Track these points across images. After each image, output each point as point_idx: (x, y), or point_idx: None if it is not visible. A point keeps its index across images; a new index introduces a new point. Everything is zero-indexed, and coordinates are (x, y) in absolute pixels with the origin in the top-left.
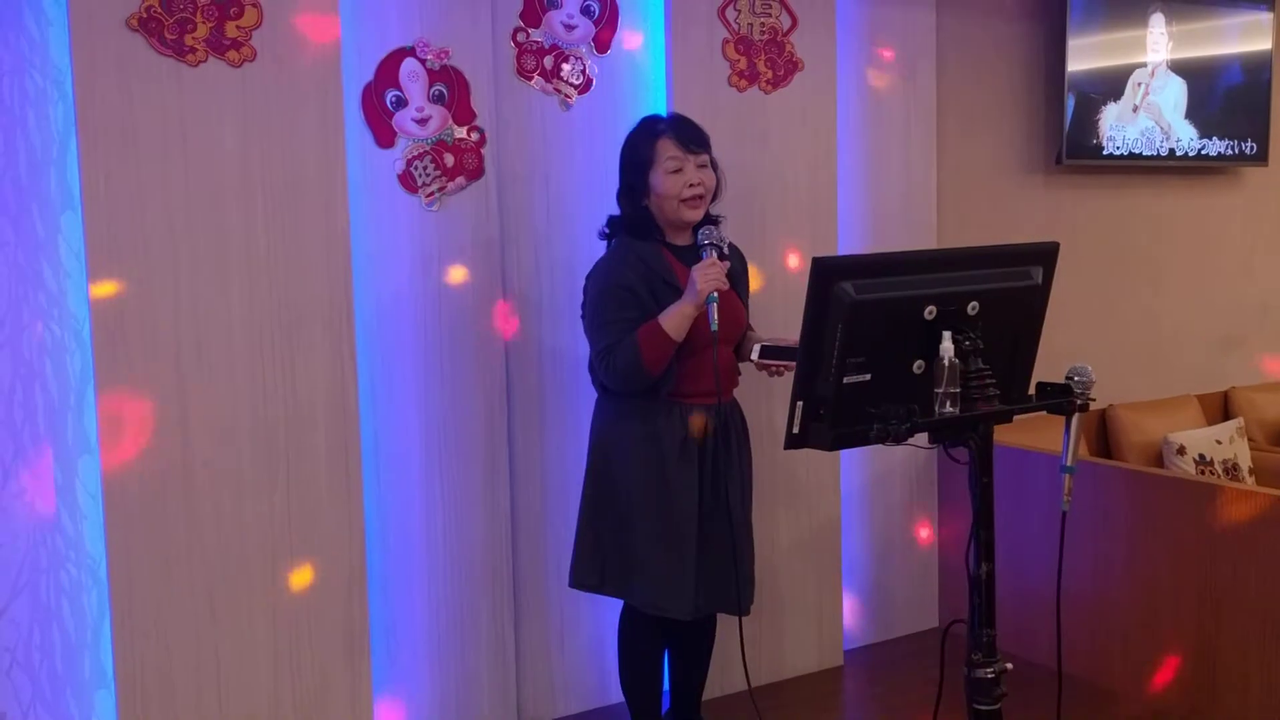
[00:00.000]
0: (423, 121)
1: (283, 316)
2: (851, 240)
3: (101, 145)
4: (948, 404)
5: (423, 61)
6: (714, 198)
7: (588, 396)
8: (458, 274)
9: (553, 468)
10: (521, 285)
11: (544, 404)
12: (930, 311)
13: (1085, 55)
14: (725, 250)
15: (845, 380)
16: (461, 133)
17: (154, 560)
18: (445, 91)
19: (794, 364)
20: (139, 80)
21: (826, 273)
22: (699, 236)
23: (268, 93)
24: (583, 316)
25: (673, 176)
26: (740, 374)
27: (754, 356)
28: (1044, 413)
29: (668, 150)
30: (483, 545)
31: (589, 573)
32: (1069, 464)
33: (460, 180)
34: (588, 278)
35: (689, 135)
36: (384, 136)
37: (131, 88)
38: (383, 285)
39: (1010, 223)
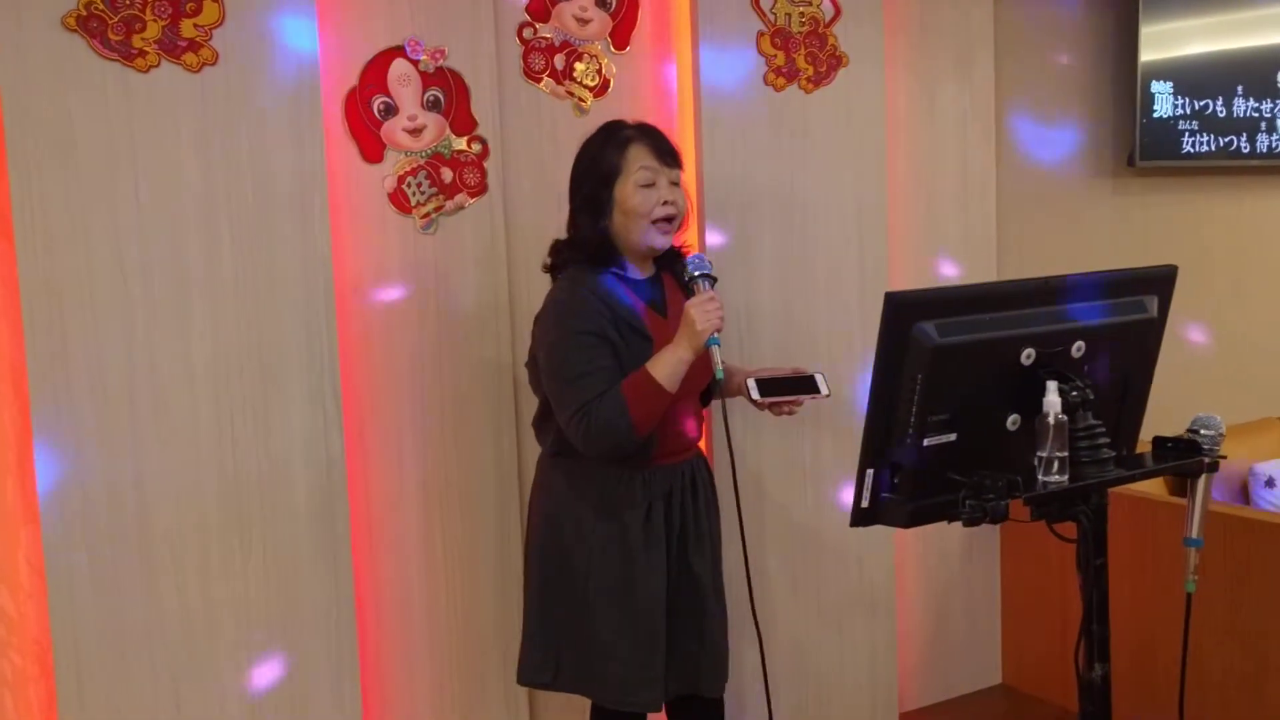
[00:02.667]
0: (416, 132)
1: (254, 359)
2: (902, 255)
3: (34, 166)
4: (1054, 470)
5: (415, 63)
6: (680, 228)
7: None
8: (459, 306)
9: None
10: (532, 315)
11: None
12: (1029, 355)
13: (1161, 42)
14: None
15: (926, 442)
16: (461, 144)
17: (106, 647)
18: (441, 97)
19: (804, 397)
20: (79, 89)
21: (903, 311)
22: (690, 265)
23: (233, 101)
24: (530, 365)
25: (644, 191)
26: (703, 419)
27: (753, 395)
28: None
29: (640, 159)
30: (493, 614)
31: (541, 668)
32: (1195, 535)
33: (460, 199)
34: (537, 320)
35: (663, 145)
36: (371, 149)
37: (69, 98)
38: (371, 321)
39: (1076, 231)
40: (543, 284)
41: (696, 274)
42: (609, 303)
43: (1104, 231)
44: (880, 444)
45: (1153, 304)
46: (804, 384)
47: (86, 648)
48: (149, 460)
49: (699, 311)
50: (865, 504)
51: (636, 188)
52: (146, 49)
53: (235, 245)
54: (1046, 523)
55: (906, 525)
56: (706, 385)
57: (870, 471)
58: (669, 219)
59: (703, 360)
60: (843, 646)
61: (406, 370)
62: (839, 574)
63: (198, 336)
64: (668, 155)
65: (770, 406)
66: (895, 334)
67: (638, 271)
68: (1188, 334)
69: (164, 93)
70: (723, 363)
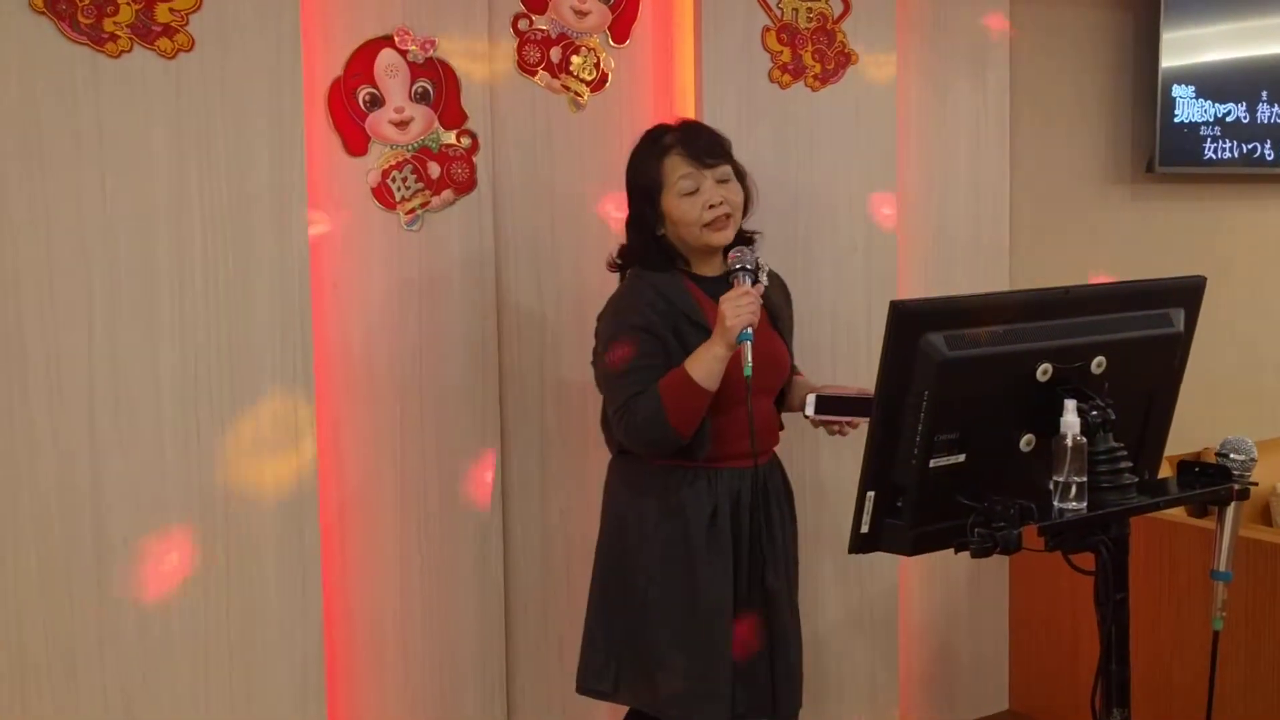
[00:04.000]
0: (402, 124)
1: (224, 360)
2: (911, 262)
3: None
4: (1071, 496)
5: (403, 53)
6: (745, 213)
7: (602, 452)
8: (444, 307)
9: (557, 537)
10: (522, 320)
11: (548, 461)
12: (1045, 371)
13: (1183, 47)
14: (762, 275)
15: (932, 463)
16: (450, 138)
17: (56, 659)
18: (430, 89)
19: (860, 419)
20: (46, 74)
21: (909, 322)
22: (728, 260)
23: (208, 90)
24: (594, 364)
25: (688, 200)
26: (784, 428)
27: (808, 411)
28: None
29: (678, 169)
30: (471, 635)
31: (600, 676)
32: (1223, 568)
33: (447, 194)
34: (599, 318)
35: (701, 146)
36: (355, 142)
37: (36, 84)
38: (351, 322)
39: (1092, 239)
40: (532, 282)
41: (736, 268)
42: (669, 298)
43: (1121, 239)
44: (883, 464)
45: (1179, 317)
46: (864, 406)
47: (34, 658)
48: (108, 465)
49: (730, 306)
50: (865, 529)
51: (679, 198)
52: (118, 33)
53: (207, 241)
54: (1062, 553)
55: (910, 553)
56: (781, 387)
57: (871, 494)
58: (724, 217)
59: (771, 357)
60: (842, 669)
61: (387, 375)
62: (840, 593)
63: (165, 335)
64: (707, 155)
65: (823, 424)
66: (900, 346)
67: (704, 268)
68: (1206, 346)
69: (136, 80)
70: (800, 374)
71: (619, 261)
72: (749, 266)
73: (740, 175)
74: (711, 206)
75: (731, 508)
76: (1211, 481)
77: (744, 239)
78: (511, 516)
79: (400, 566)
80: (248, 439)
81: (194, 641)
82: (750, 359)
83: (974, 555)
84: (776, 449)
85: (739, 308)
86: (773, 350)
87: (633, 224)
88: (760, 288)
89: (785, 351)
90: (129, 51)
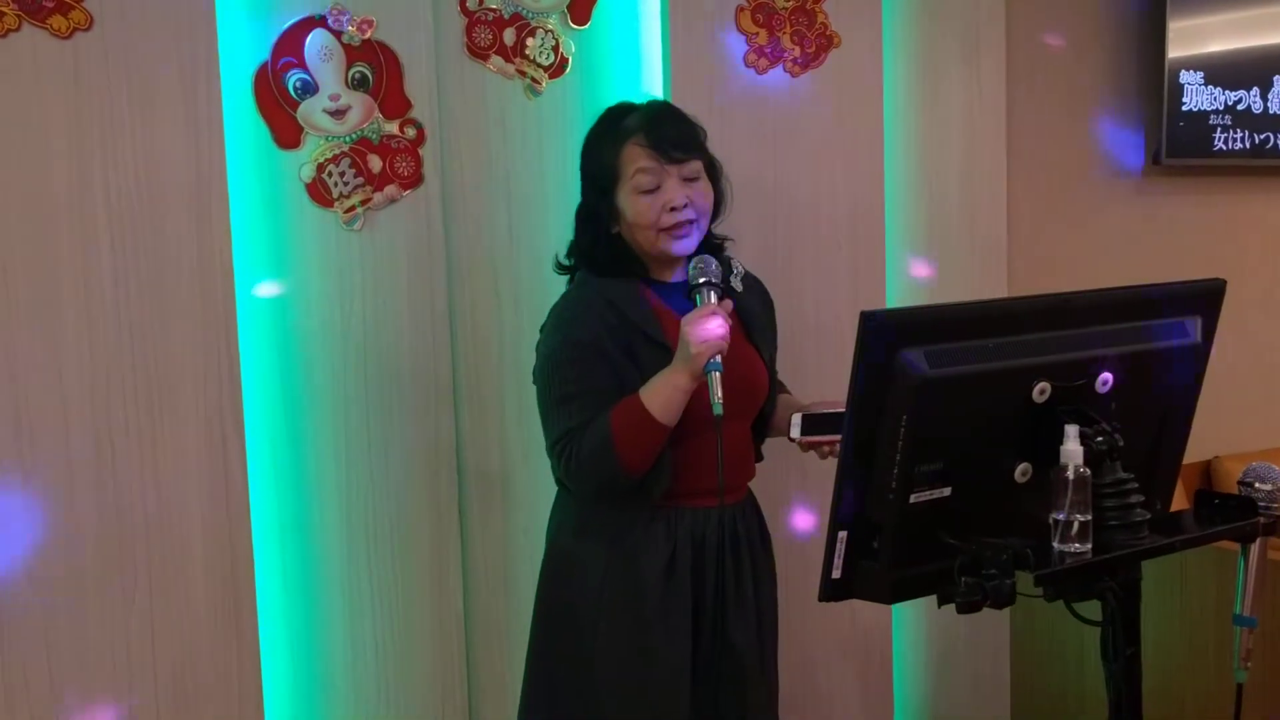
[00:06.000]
0: (339, 114)
1: (139, 374)
2: (900, 263)
3: None
4: (1073, 536)
5: (338, 34)
6: (715, 215)
7: None
8: (388, 313)
9: (520, 557)
10: (476, 325)
11: (509, 477)
12: (1042, 391)
13: (1192, 31)
14: (735, 281)
15: (912, 498)
16: (392, 128)
17: None
18: (369, 74)
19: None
20: None
21: (884, 335)
22: (690, 270)
23: (112, 72)
24: (535, 382)
25: (645, 198)
26: (762, 459)
27: (793, 434)
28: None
29: (636, 159)
30: (429, 665)
31: None
32: (1247, 612)
33: (391, 190)
34: (541, 329)
35: (667, 136)
36: (286, 133)
37: None
38: (285, 331)
39: (1095, 235)
40: (487, 283)
41: (700, 281)
42: (621, 309)
43: (1126, 236)
44: (856, 499)
45: (1196, 326)
46: None
47: None
48: (10, 506)
49: (694, 329)
50: (837, 573)
51: (636, 195)
52: (3, 9)
53: (116, 241)
54: (1064, 603)
55: (888, 600)
56: (759, 411)
57: (843, 533)
58: (686, 223)
59: (744, 380)
60: (833, 700)
61: (327, 389)
62: (829, 620)
63: (69, 346)
64: (675, 148)
65: (812, 447)
66: (875, 363)
67: (662, 272)
68: (1216, 349)
69: (25, 61)
70: (786, 393)
71: (566, 262)
72: (715, 280)
73: (713, 172)
74: (673, 209)
75: (694, 554)
76: (1234, 516)
77: (712, 245)
78: (470, 539)
79: (348, 596)
80: (168, 460)
81: (114, 691)
82: (720, 394)
83: (960, 610)
84: (751, 483)
85: (705, 332)
86: (748, 369)
87: (582, 217)
88: (728, 304)
89: (763, 369)
90: (16, 30)
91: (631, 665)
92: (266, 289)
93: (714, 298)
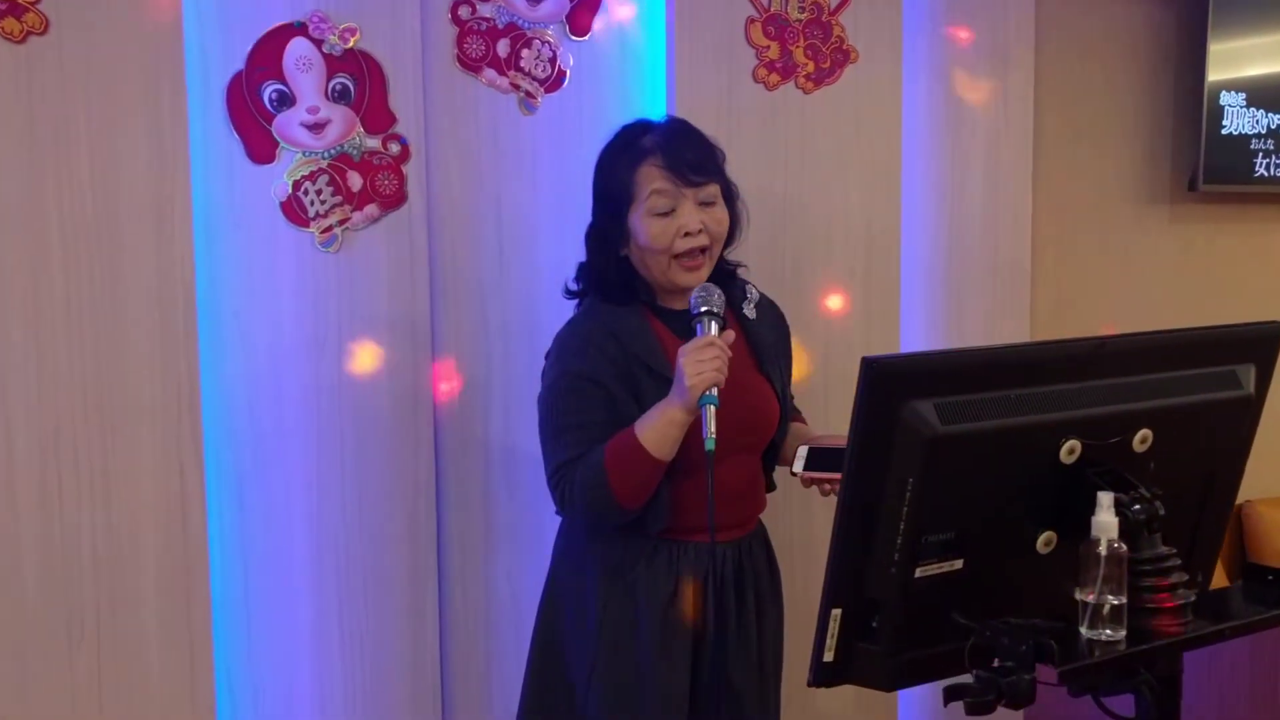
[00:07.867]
0: (317, 127)
1: (91, 401)
2: (916, 293)
3: None
4: (1105, 621)
5: (318, 43)
6: (729, 241)
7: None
8: (368, 339)
9: (502, 593)
10: (461, 354)
11: (491, 515)
12: (1071, 450)
13: (1233, 53)
14: (748, 307)
15: (918, 571)
16: (374, 143)
17: None
18: (351, 86)
19: None
20: None
21: (888, 384)
22: (691, 299)
23: (68, 81)
24: (538, 410)
25: (660, 222)
26: (774, 488)
27: (797, 468)
28: None
29: (652, 181)
30: (403, 715)
31: None
32: None
33: (371, 210)
34: (546, 355)
35: (685, 158)
36: (260, 148)
37: None
38: (256, 360)
39: (1126, 266)
40: (474, 311)
41: (700, 310)
42: (622, 339)
43: (1159, 267)
44: (853, 573)
45: (1248, 375)
46: None
47: None
48: None
49: (690, 362)
50: (830, 656)
51: (650, 217)
52: None
53: (69, 259)
54: (1093, 697)
55: (888, 688)
56: (768, 442)
57: (837, 611)
58: (699, 250)
59: (754, 411)
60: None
61: (300, 419)
62: None
63: (15, 369)
64: (694, 171)
65: (815, 483)
66: (877, 418)
67: (671, 300)
68: None
69: None
70: (801, 420)
71: (575, 286)
72: (715, 309)
73: (730, 197)
74: (687, 234)
75: (695, 590)
76: None
77: (725, 270)
78: (449, 581)
79: (316, 642)
80: (121, 494)
81: None
82: (714, 430)
83: (969, 711)
84: (763, 515)
85: (701, 363)
86: (758, 400)
87: (593, 238)
88: (730, 335)
89: (773, 399)
90: None
91: (628, 698)
92: (238, 313)
93: (715, 328)
